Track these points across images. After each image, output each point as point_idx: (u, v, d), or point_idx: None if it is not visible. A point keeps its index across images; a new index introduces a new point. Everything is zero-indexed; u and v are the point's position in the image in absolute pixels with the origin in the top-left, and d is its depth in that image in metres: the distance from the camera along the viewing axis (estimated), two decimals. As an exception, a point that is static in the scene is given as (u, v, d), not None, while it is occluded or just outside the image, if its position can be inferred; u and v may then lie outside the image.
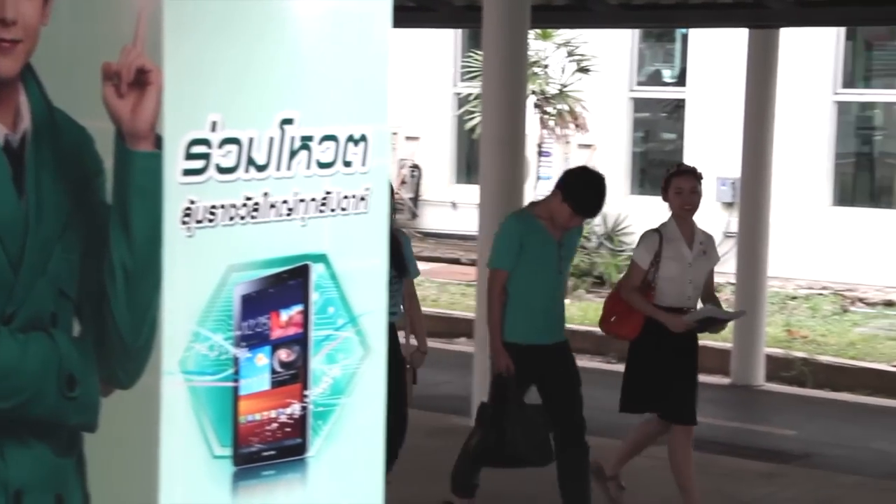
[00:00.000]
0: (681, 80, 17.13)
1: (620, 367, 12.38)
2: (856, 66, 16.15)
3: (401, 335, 6.52)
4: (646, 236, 6.49)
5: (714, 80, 16.03)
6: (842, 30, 15.44)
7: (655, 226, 6.52)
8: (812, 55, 15.43)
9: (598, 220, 16.69)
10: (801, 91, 15.20)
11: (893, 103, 15.60)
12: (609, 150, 17.19)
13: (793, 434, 9.35)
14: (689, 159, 16.56)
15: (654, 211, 16.57)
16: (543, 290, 6.14)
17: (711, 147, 15.94)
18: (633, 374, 6.53)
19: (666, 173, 6.55)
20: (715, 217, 16.01)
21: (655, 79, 17.81)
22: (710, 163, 16.01)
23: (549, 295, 6.17)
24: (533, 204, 6.48)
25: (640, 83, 17.49)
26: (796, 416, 9.88)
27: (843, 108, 15.89)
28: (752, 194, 11.25)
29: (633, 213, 16.60)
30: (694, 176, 6.43)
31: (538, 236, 6.11)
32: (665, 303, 6.39)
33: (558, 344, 6.25)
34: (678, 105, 17.03)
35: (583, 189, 6.04)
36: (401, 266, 5.95)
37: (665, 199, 6.49)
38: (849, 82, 15.85)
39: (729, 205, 15.37)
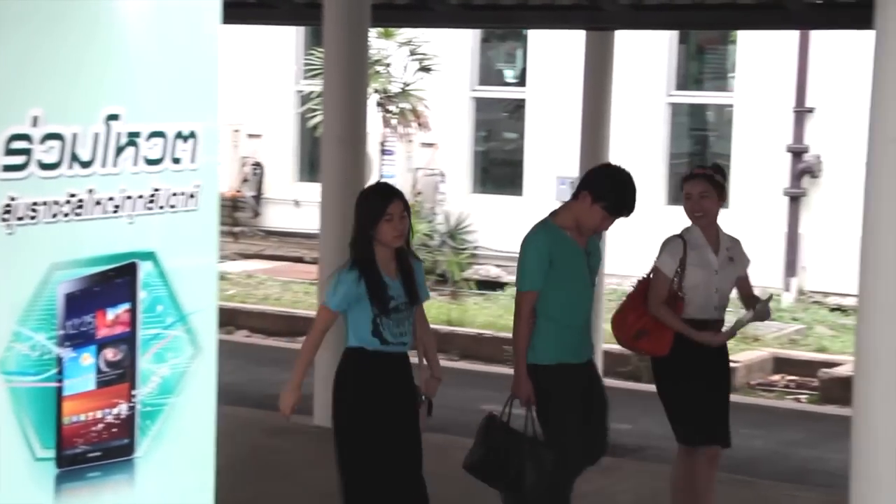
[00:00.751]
0: (522, 81, 17.35)
1: (464, 364, 12.69)
2: (689, 69, 16.58)
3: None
4: (668, 242, 6.03)
5: (553, 81, 16.28)
6: (675, 33, 15.84)
7: (678, 231, 6.11)
8: (647, 58, 15.79)
9: (440, 218, 16.81)
10: (636, 92, 15.54)
11: (724, 105, 16.05)
12: (451, 148, 17.31)
13: (627, 428, 9.55)
14: (529, 159, 16.84)
15: (493, 209, 16.83)
16: (577, 305, 5.66)
17: (551, 146, 16.19)
18: (683, 402, 6.11)
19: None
20: (555, 216, 16.29)
21: (497, 79, 18.01)
22: (550, 162, 16.30)
23: (582, 310, 5.68)
24: (553, 213, 5.77)
25: (482, 83, 17.66)
26: (631, 411, 10.08)
27: (676, 109, 16.30)
28: (589, 193, 11.44)
29: (476, 211, 16.76)
30: (705, 179, 5.99)
31: (567, 248, 5.61)
32: (690, 314, 5.93)
33: (588, 363, 5.84)
34: (519, 105, 17.24)
35: (616, 187, 5.58)
36: (412, 293, 5.40)
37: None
38: (682, 84, 16.27)
39: (568, 203, 15.64)
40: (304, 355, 5.40)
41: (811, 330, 13.65)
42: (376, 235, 5.24)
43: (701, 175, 6.02)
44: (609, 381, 11.07)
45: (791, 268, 15.18)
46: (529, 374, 5.64)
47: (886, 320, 3.85)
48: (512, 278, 16.70)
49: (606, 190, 5.52)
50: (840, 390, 10.27)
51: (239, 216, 18.70)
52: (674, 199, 16.17)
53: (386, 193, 5.38)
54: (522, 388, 5.65)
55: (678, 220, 14.79)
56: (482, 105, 17.67)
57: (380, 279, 5.25)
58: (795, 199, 15.22)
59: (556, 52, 16.10)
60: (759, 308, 6.09)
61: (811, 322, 13.94)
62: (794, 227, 15.18)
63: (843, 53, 13.92)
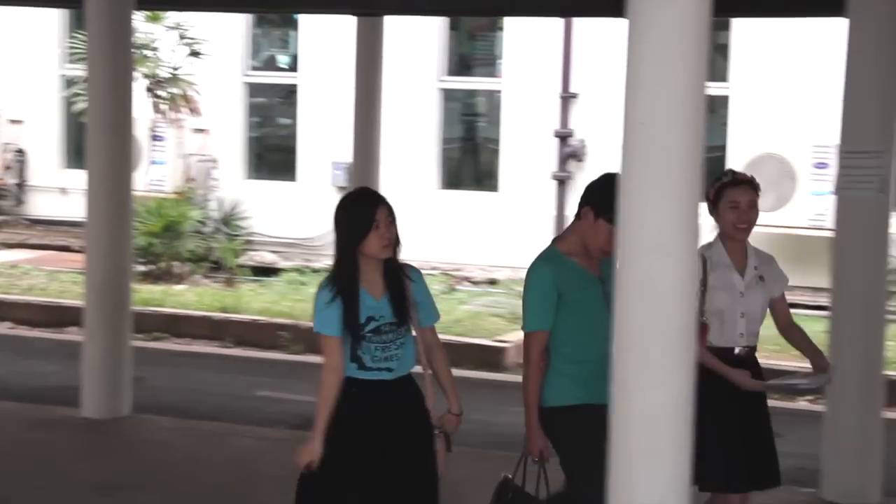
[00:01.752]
0: (294, 66, 17.28)
1: (239, 351, 12.59)
2: (459, 55, 16.82)
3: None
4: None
5: (325, 66, 16.27)
6: (446, 19, 16.05)
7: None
8: (418, 43, 15.95)
9: (213, 204, 16.61)
10: (408, 78, 15.68)
11: (494, 91, 16.35)
12: (224, 134, 17.11)
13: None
14: (303, 144, 16.78)
15: (268, 195, 16.73)
16: (593, 339, 4.84)
17: (325, 132, 16.19)
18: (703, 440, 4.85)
19: (715, 182, 5.24)
20: (331, 201, 16.27)
21: (270, 64, 17.89)
22: (324, 148, 16.29)
23: (600, 344, 4.68)
24: (557, 239, 5.11)
25: (254, 68, 17.51)
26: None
27: (448, 94, 16.52)
28: (362, 178, 11.51)
29: (250, 197, 16.61)
30: (752, 187, 5.23)
31: (576, 277, 4.93)
32: (712, 342, 5.18)
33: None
34: (291, 90, 17.17)
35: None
36: (402, 311, 4.66)
37: (713, 213, 5.22)
38: (453, 70, 16.50)
39: (343, 188, 15.65)
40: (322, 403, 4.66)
41: (579, 309, 14.05)
42: (362, 248, 4.62)
43: (747, 182, 5.22)
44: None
45: (559, 249, 15.59)
46: (542, 422, 4.94)
47: (640, 297, 4.01)
48: (288, 263, 16.69)
49: (609, 200, 4.43)
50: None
51: (1, 204, 18.05)
52: (446, 183, 16.41)
53: (371, 199, 4.73)
54: (534, 441, 4.94)
55: (452, 204, 14.82)
56: (255, 90, 17.53)
57: (354, 302, 4.60)
58: (563, 183, 15.64)
59: (327, 38, 16.09)
60: (819, 379, 5.42)
61: (579, 302, 14.35)
62: (561, 210, 15.60)
63: (604, 40, 14.36)
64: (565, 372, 4.93)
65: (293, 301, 13.83)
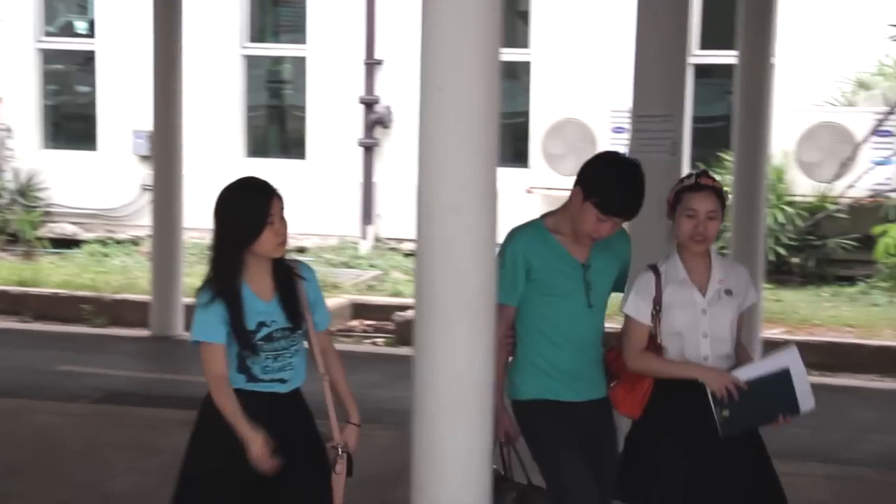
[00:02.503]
0: (92, 32, 16.82)
1: (39, 326, 12.24)
2: (264, 22, 16.64)
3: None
4: (638, 279, 4.58)
5: (124, 32, 15.89)
6: (248, -14, 15.86)
7: (652, 262, 4.61)
8: (220, 10, 15.72)
9: (9, 175, 16.09)
10: (210, 45, 15.44)
11: (299, 58, 16.23)
12: (18, 102, 16.57)
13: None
14: (103, 112, 16.36)
15: (67, 165, 16.27)
16: (565, 330, 4.52)
17: (125, 100, 15.82)
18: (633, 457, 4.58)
19: (677, 184, 4.60)
20: (133, 170, 15.96)
21: (66, 30, 17.36)
22: (124, 116, 15.92)
23: (574, 336, 4.52)
24: (548, 214, 4.67)
25: (49, 34, 16.97)
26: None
27: (252, 62, 16.32)
28: (164, 147, 11.32)
29: (48, 167, 16.15)
30: (716, 194, 4.51)
31: (552, 256, 4.50)
32: None
33: (592, 403, 4.62)
34: (89, 57, 16.71)
35: (607, 176, 4.41)
36: (296, 314, 4.22)
37: (670, 217, 4.57)
38: (256, 37, 16.30)
39: (146, 158, 15.35)
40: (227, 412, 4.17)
41: (387, 275, 14.14)
42: (252, 247, 4.13)
43: (710, 187, 4.51)
44: (186, 335, 11.10)
45: (367, 216, 15.63)
46: (514, 413, 4.58)
47: (438, 259, 4.06)
48: (90, 235, 16.30)
49: (596, 181, 4.34)
50: (413, 332, 10.70)
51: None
52: (252, 151, 16.24)
53: (263, 191, 4.20)
54: (498, 423, 4.47)
55: (258, 172, 14.68)
56: (50, 57, 16.99)
57: (238, 306, 4.11)
58: (369, 150, 15.66)
59: (126, 2, 15.72)
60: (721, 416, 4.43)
61: (387, 268, 14.43)
62: (368, 177, 15.63)
63: (407, 7, 14.40)
64: (537, 362, 4.54)
65: (95, 273, 13.54)
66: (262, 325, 4.14)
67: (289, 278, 4.23)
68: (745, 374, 4.43)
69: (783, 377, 4.48)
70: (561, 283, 4.51)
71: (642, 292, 4.51)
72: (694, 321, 4.50)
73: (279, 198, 4.22)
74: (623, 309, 4.54)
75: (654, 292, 4.49)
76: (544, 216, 4.64)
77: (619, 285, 4.70)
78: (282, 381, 4.22)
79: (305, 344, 4.33)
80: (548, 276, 4.49)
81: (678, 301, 4.50)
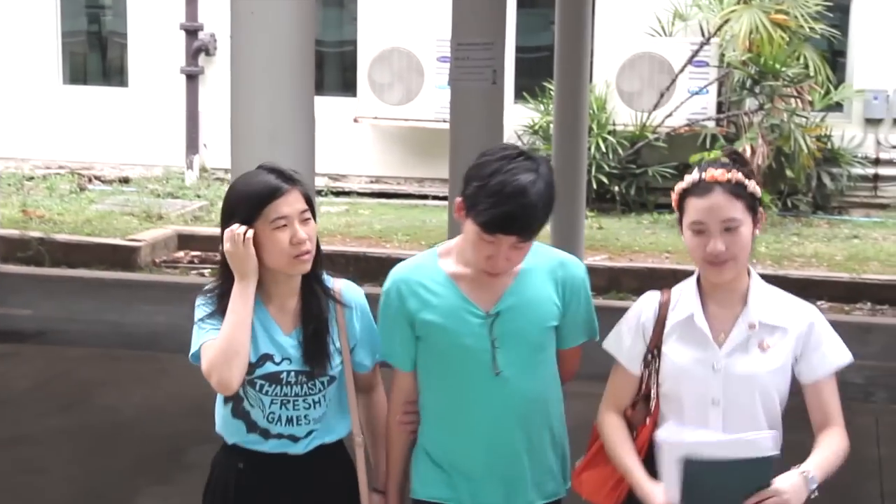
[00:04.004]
0: None
1: None
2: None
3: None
4: (635, 305, 3.23)
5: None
6: None
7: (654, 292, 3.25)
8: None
9: None
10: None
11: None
12: None
13: (28, 313, 9.37)
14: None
15: None
16: (467, 411, 3.21)
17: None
18: None
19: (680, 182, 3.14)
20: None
21: None
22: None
23: (478, 420, 3.20)
24: (448, 245, 3.32)
25: None
26: (32, 296, 9.90)
27: (69, -15, 15.82)
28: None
29: None
30: (731, 191, 3.05)
31: (443, 304, 3.19)
32: (663, 439, 3.11)
33: None
34: None
35: (488, 178, 3.06)
36: (318, 357, 3.17)
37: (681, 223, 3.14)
38: (73, -40, 15.81)
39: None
40: None
41: (214, 206, 13.95)
42: (261, 258, 3.09)
43: (722, 184, 3.04)
44: (8, 268, 10.83)
45: (193, 146, 15.38)
46: None
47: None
48: None
49: (474, 186, 3.08)
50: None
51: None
52: (70, 78, 15.78)
53: (274, 180, 3.11)
54: None
55: (77, 100, 14.31)
56: None
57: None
58: (193, 78, 15.37)
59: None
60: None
61: (214, 198, 14.25)
62: (193, 106, 15.35)
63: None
64: (432, 453, 3.29)
65: None
66: (267, 358, 3.15)
67: (321, 307, 3.19)
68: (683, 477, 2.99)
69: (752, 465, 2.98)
70: (455, 341, 3.17)
71: (634, 325, 3.16)
72: (701, 382, 3.08)
73: (300, 189, 3.12)
74: (604, 344, 3.23)
75: (652, 329, 3.13)
76: (441, 247, 3.30)
77: (570, 339, 3.28)
78: (292, 437, 3.20)
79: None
80: (437, 331, 3.19)
81: (682, 349, 3.10)
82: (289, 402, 3.19)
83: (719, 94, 14.15)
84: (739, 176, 3.06)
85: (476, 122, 7.16)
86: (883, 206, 14.16)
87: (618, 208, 13.83)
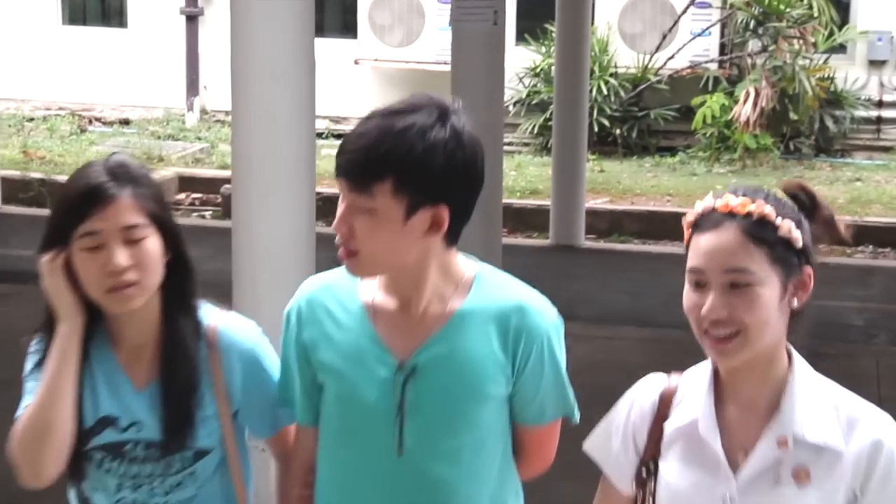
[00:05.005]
0: None
1: None
2: None
3: None
4: (625, 398, 2.31)
5: None
6: None
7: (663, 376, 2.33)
8: None
9: None
10: None
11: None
12: None
13: (29, 254, 9.34)
14: None
15: None
16: (365, 496, 2.33)
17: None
18: None
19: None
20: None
21: None
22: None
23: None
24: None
25: None
26: (33, 237, 9.86)
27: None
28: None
29: None
30: (747, 231, 2.09)
31: (342, 342, 2.34)
32: None
33: None
34: None
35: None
36: (175, 428, 2.35)
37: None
38: None
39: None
40: None
41: (215, 148, 13.94)
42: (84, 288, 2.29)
43: (738, 218, 2.11)
44: (10, 209, 10.82)
45: (193, 87, 15.32)
46: None
47: (258, 130, 4.03)
48: None
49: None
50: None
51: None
52: (69, 19, 15.69)
53: (94, 181, 2.28)
54: None
55: (77, 41, 14.19)
56: None
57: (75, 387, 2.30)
58: (192, 19, 15.28)
59: None
60: None
61: (214, 140, 14.23)
62: (193, 47, 15.28)
63: None
64: None
65: None
66: (108, 423, 2.33)
67: (188, 354, 2.33)
68: None
69: None
70: (352, 396, 2.30)
71: (623, 425, 2.26)
72: None
73: (132, 200, 2.28)
74: (585, 445, 2.33)
75: (647, 433, 2.22)
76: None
77: (531, 414, 2.36)
78: None
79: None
80: (333, 378, 2.33)
81: (682, 469, 2.19)
82: (141, 484, 2.34)
83: (722, 35, 14.07)
84: (767, 211, 2.06)
85: (477, 64, 7.12)
86: (886, 149, 14.12)
87: (619, 151, 13.80)
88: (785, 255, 2.09)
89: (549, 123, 11.37)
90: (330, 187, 11.25)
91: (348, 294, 2.33)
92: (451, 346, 2.27)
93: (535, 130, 13.71)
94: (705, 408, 2.15)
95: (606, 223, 10.90)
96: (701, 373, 2.21)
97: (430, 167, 2.16)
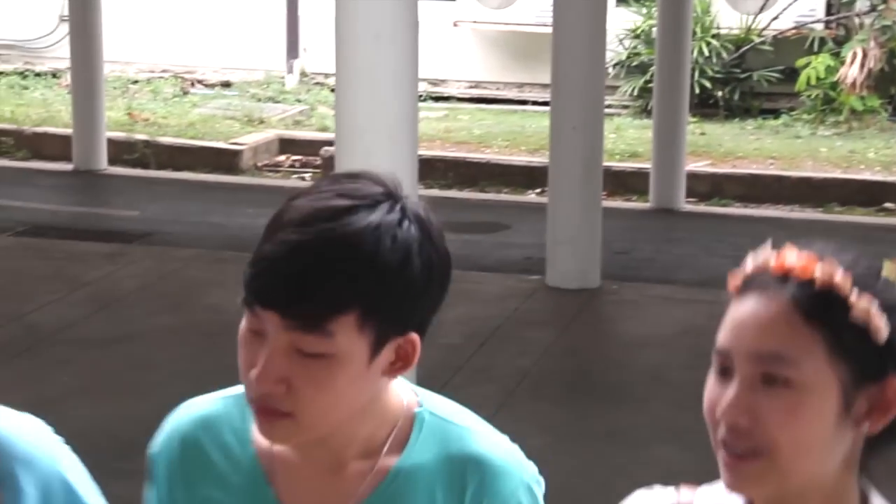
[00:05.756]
0: None
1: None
2: None
3: None
4: None
5: None
6: None
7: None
8: None
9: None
10: None
11: None
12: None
13: (135, 215, 9.55)
14: (17, -59, 15.83)
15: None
16: None
17: (40, -72, 15.33)
18: None
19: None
20: (51, 0, 15.57)
21: None
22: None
23: None
24: None
25: None
26: (139, 198, 10.08)
27: None
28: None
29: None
30: (802, 301, 1.36)
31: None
32: None
33: None
34: None
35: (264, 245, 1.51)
36: None
37: None
38: None
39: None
40: None
41: (314, 111, 14.03)
42: None
43: (792, 286, 1.38)
44: (115, 169, 11.02)
45: (293, 50, 15.41)
46: None
47: (361, 91, 4.05)
48: (8, 66, 15.93)
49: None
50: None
51: None
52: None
53: None
54: None
55: (181, 3, 14.32)
56: None
57: None
58: (294, -19, 15.36)
59: None
60: None
61: (314, 103, 14.31)
62: (293, 9, 15.36)
63: None
64: None
65: (15, 106, 13.31)
66: None
67: None
68: None
69: None
70: None
71: None
72: None
73: None
74: None
75: None
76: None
77: None
78: None
79: None
80: None
81: None
82: None
83: (828, -6, 13.79)
84: (839, 279, 1.36)
85: (578, 25, 7.08)
86: None
87: (721, 113, 13.60)
88: (856, 350, 1.35)
89: (650, 86, 11.22)
90: (429, 149, 11.27)
91: (236, 436, 1.63)
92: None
93: (635, 93, 13.57)
94: None
95: (707, 186, 10.78)
96: (728, 499, 1.43)
97: (407, 285, 1.49)
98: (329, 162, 11.52)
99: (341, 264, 1.46)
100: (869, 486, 1.42)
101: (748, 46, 13.56)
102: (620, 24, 13.45)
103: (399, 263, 1.48)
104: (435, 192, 10.19)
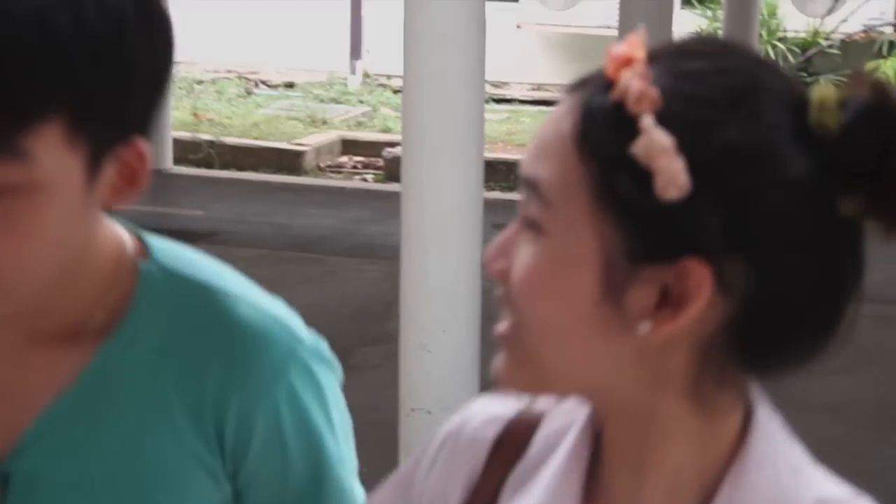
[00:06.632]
0: None
1: None
2: None
3: None
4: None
5: None
6: None
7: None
8: None
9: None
10: None
11: None
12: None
13: (200, 214, 9.62)
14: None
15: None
16: None
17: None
18: None
19: None
20: None
21: None
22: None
23: None
24: None
25: None
26: (203, 197, 10.16)
27: None
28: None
29: None
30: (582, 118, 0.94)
31: None
32: None
33: None
34: None
35: None
36: None
37: None
38: None
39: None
40: None
41: (377, 112, 14.08)
42: None
43: (595, 83, 0.96)
44: (180, 169, 11.11)
45: (356, 51, 15.47)
46: None
47: (428, 94, 4.04)
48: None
49: None
50: (401, 168, 10.74)
51: None
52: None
53: None
54: None
55: (248, 4, 14.27)
56: None
57: None
58: (358, -17, 15.43)
59: None
60: None
61: (376, 104, 14.37)
62: (357, 11, 15.42)
63: None
64: None
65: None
66: None
67: None
68: None
69: None
70: None
71: (413, 479, 1.09)
72: None
73: None
74: None
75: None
76: None
77: None
78: None
79: None
80: None
81: None
82: None
83: (898, -2, 13.63)
84: (635, 92, 0.90)
85: (643, 28, 7.02)
86: None
87: (786, 117, 13.47)
88: (631, 204, 0.89)
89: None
90: (491, 151, 11.26)
91: None
92: (86, 430, 1.13)
93: (700, 96, 13.49)
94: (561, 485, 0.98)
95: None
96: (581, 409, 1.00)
97: (126, 66, 1.04)
98: (391, 163, 11.53)
99: (30, 49, 0.97)
100: (751, 402, 0.95)
101: (815, 50, 13.42)
102: (685, 26, 13.36)
103: (112, 36, 1.02)
104: (497, 194, 10.17)
